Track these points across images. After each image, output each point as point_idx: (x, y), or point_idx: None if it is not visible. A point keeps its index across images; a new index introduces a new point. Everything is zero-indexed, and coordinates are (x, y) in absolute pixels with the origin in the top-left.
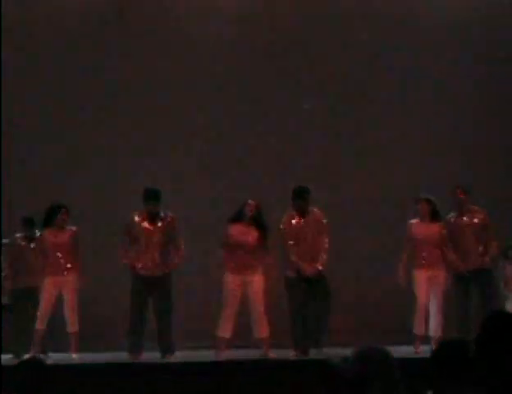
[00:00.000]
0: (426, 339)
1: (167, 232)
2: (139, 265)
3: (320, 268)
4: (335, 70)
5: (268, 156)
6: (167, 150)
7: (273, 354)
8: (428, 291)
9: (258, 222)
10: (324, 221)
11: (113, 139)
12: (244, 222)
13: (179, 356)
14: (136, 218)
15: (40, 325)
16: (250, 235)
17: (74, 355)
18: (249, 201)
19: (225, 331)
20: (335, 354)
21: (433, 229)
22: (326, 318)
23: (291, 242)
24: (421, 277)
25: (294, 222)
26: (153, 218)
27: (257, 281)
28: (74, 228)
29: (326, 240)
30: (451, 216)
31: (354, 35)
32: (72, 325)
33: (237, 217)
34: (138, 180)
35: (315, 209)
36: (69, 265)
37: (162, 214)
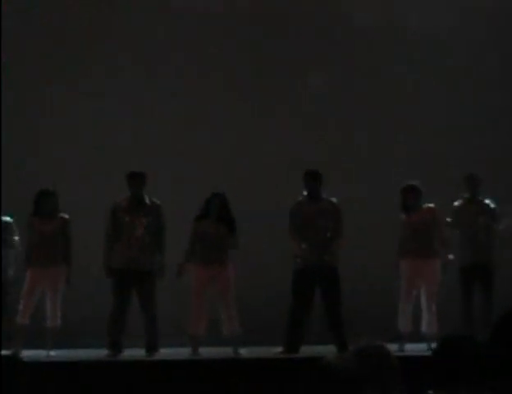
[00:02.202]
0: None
1: (152, 220)
2: (122, 256)
3: (327, 260)
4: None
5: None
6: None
7: (244, 351)
8: (416, 283)
9: (226, 216)
10: (339, 209)
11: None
12: (212, 218)
13: (163, 354)
14: (119, 203)
15: (23, 319)
16: (218, 230)
17: (52, 352)
18: (215, 194)
19: (196, 327)
20: (328, 351)
21: (422, 216)
22: (339, 314)
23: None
24: (407, 266)
25: (302, 208)
26: (137, 203)
27: (226, 275)
28: (65, 216)
29: (341, 229)
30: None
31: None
32: (53, 320)
33: (204, 214)
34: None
35: (331, 198)
36: (57, 256)
37: (147, 201)
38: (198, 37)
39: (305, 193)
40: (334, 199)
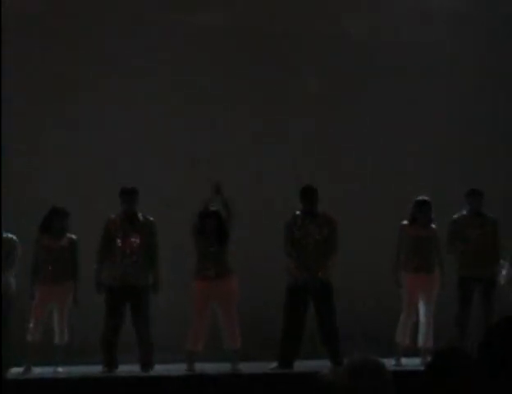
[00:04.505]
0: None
1: (145, 236)
2: (114, 272)
3: (321, 276)
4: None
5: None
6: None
7: (241, 366)
8: (417, 296)
9: (221, 232)
10: (335, 224)
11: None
12: (209, 234)
13: (158, 369)
14: (112, 219)
15: (34, 337)
16: (216, 245)
17: (59, 369)
18: (211, 211)
19: (195, 343)
20: (322, 366)
21: (427, 231)
22: (333, 329)
23: (292, 246)
24: (411, 280)
25: (298, 223)
26: (129, 219)
27: (228, 289)
28: (73, 237)
29: (336, 244)
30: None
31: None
32: (61, 336)
33: (201, 230)
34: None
35: (328, 212)
36: (64, 274)
37: (140, 217)
38: (199, 56)
39: (301, 208)
40: (331, 214)
